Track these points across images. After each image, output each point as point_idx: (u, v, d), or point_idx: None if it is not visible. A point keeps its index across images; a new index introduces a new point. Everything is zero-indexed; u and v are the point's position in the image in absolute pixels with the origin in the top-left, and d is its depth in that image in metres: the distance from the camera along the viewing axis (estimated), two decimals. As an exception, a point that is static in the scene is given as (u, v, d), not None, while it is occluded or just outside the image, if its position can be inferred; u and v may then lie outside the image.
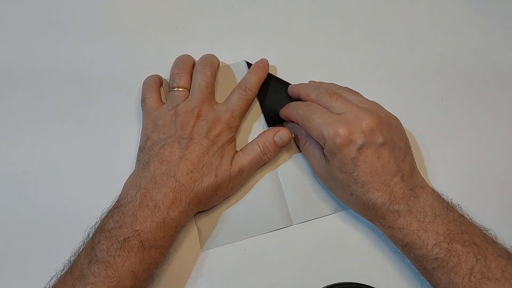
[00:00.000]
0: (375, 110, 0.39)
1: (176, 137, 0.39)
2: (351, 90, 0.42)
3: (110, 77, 0.47)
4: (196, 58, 0.46)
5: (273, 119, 0.45)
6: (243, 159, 0.41)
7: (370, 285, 0.39)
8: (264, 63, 0.45)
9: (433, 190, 0.38)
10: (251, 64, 0.47)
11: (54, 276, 0.36)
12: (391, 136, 0.38)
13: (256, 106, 0.46)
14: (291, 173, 0.43)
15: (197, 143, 0.39)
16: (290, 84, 0.46)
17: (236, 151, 0.42)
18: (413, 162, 0.40)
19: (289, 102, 0.44)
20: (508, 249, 0.35)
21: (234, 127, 0.42)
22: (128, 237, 0.34)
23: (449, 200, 0.38)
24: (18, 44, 0.48)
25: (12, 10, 0.50)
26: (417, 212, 0.36)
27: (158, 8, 0.50)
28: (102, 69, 0.47)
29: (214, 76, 0.45)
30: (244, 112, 0.44)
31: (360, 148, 0.36)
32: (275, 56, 0.48)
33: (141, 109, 0.45)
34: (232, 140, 0.42)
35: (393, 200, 0.36)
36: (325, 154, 0.39)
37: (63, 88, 0.46)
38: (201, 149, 0.39)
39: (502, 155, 0.45)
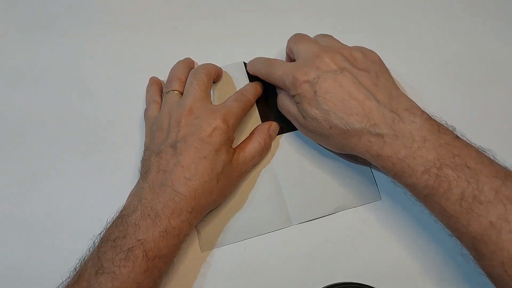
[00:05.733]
0: (333, 46, 0.41)
1: (169, 142, 0.38)
2: (323, 34, 0.44)
3: (109, 78, 0.47)
4: (195, 59, 0.47)
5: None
6: (246, 158, 0.41)
7: (370, 285, 0.39)
8: (257, 87, 0.45)
9: (422, 111, 0.36)
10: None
11: (60, 284, 0.35)
12: (351, 63, 0.38)
13: (257, 115, 0.46)
14: (290, 174, 0.43)
15: (190, 145, 0.38)
16: None
17: (234, 149, 0.41)
18: (391, 85, 0.38)
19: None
20: (508, 169, 0.33)
21: (231, 126, 0.40)
22: (132, 247, 0.34)
23: (443, 122, 0.36)
24: (17, 43, 0.48)
25: (11, 9, 0.50)
26: (403, 137, 0.34)
27: (157, 9, 0.51)
28: (101, 70, 0.47)
29: (209, 76, 0.43)
30: (241, 113, 0.42)
31: (317, 80, 0.38)
32: (274, 56, 0.48)
33: (143, 113, 0.45)
34: (229, 142, 0.40)
35: (374, 124, 0.35)
36: (295, 101, 0.40)
37: (62, 89, 0.46)
38: (196, 153, 0.37)
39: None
